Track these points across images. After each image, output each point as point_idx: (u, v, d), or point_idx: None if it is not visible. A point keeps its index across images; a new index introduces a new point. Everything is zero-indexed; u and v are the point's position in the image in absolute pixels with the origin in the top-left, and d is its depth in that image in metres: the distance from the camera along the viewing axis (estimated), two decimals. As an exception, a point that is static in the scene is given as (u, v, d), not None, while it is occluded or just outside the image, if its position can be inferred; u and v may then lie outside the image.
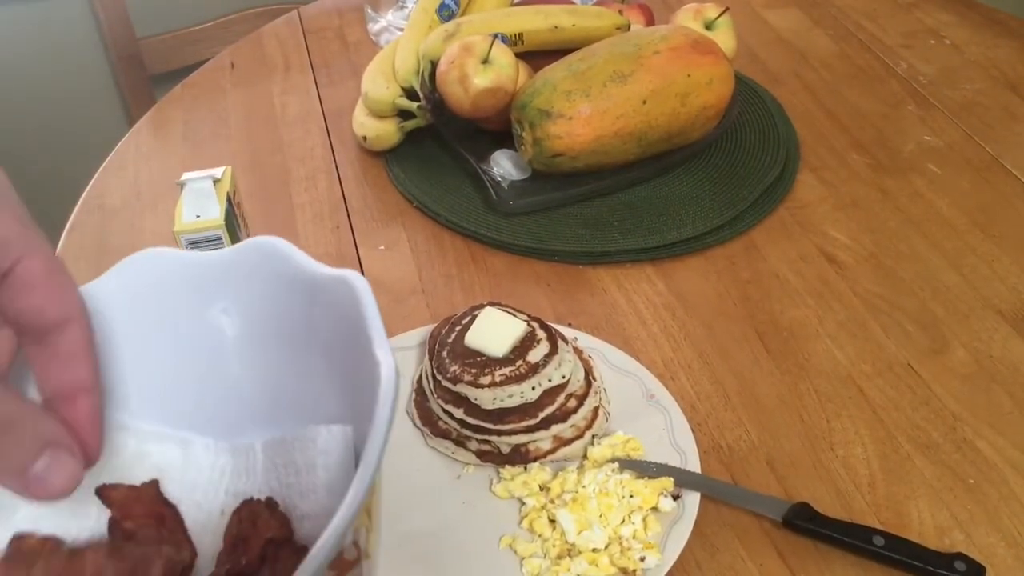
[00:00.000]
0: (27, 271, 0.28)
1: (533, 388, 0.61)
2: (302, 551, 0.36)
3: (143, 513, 0.36)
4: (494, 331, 0.63)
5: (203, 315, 0.41)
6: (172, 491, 0.38)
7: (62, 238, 0.86)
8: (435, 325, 0.70)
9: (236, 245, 0.40)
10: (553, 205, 0.86)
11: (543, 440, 0.62)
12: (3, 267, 0.27)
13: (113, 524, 0.36)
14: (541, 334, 0.64)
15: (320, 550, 0.28)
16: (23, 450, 0.27)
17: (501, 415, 0.61)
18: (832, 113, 1.00)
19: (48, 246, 0.29)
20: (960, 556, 0.56)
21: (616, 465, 0.61)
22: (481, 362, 0.62)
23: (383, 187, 0.91)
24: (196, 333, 0.41)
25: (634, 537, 0.57)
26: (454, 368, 0.62)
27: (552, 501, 0.60)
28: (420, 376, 0.68)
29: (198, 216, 0.65)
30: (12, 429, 0.26)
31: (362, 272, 0.81)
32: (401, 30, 1.03)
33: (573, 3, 0.96)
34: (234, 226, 0.67)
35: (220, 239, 0.65)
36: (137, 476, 0.38)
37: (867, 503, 0.62)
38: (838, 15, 1.18)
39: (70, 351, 0.29)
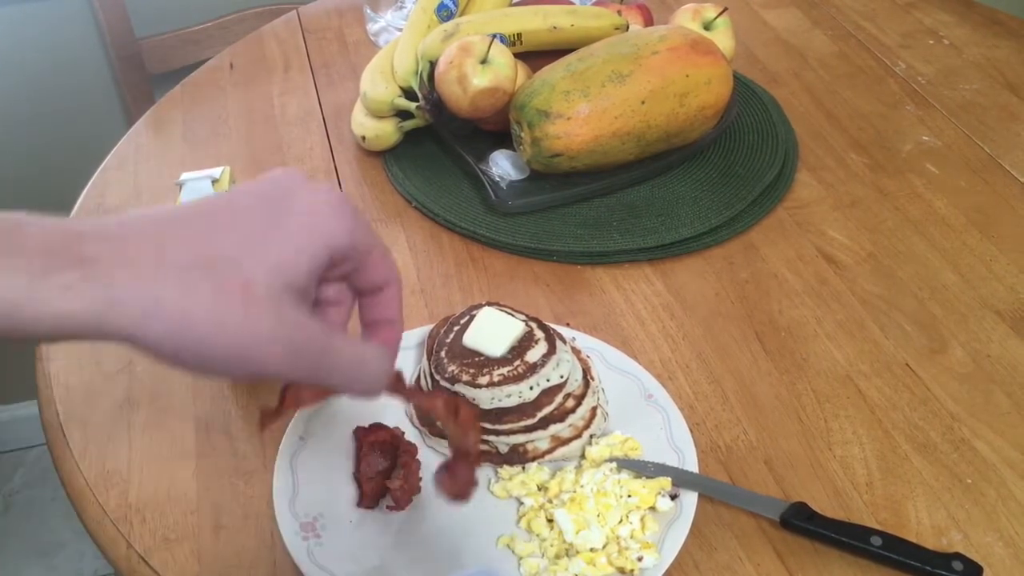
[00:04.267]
0: (371, 260, 0.42)
1: (531, 388, 0.61)
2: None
3: None
4: (492, 331, 0.63)
5: None
6: None
7: (61, 238, 0.86)
8: (433, 325, 0.70)
9: None
10: (552, 205, 0.86)
11: (541, 440, 0.63)
12: (362, 261, 0.42)
13: None
14: (539, 334, 0.64)
15: None
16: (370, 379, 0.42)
17: (499, 415, 0.61)
18: (831, 113, 1.00)
19: (377, 239, 0.42)
20: (958, 556, 0.56)
21: (614, 465, 0.61)
22: (479, 362, 0.62)
23: (382, 187, 0.91)
24: None
25: (632, 537, 0.57)
26: (452, 368, 0.62)
27: (550, 501, 0.60)
28: (418, 376, 0.68)
29: (197, 216, 0.65)
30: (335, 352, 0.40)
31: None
32: (400, 30, 1.03)
33: (572, 3, 0.96)
34: (233, 226, 0.67)
35: (219, 239, 0.65)
36: None
37: (865, 503, 0.62)
38: (837, 15, 1.18)
39: (388, 298, 0.44)
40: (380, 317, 0.45)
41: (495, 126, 0.91)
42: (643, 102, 0.83)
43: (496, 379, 0.61)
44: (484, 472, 0.63)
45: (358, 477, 0.61)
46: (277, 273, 0.37)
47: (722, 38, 0.93)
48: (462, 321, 0.66)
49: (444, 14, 0.94)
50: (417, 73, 0.90)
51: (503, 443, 0.62)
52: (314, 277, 0.39)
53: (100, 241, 0.34)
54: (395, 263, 0.44)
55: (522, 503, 0.61)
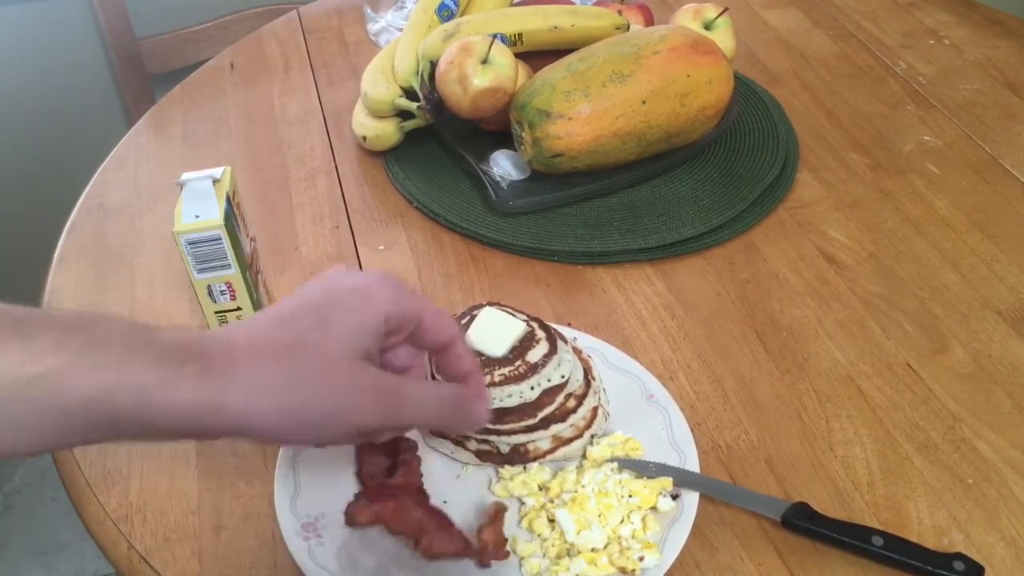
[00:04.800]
0: (425, 321, 0.50)
1: (532, 388, 0.61)
2: None
3: None
4: (493, 331, 0.63)
5: None
6: None
7: (62, 238, 0.87)
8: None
9: None
10: (552, 205, 0.86)
11: (542, 440, 0.62)
12: (417, 322, 0.49)
13: None
14: (540, 334, 0.64)
15: None
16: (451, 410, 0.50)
17: (500, 415, 0.61)
18: (831, 113, 1.00)
19: (425, 303, 0.50)
20: (959, 556, 0.56)
21: (615, 465, 0.61)
22: (480, 362, 0.62)
23: (383, 187, 0.91)
24: None
25: (633, 537, 0.57)
26: (453, 368, 0.62)
27: (551, 501, 0.60)
28: (419, 376, 0.68)
29: (197, 216, 0.65)
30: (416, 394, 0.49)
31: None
32: (400, 30, 1.03)
33: (572, 3, 0.96)
34: (234, 226, 0.67)
35: (220, 239, 0.65)
36: None
37: (866, 503, 0.62)
38: (838, 15, 1.18)
39: (459, 354, 0.52)
40: (457, 371, 0.52)
41: (496, 126, 0.91)
42: (644, 102, 0.83)
43: (497, 379, 0.61)
44: (485, 472, 0.63)
45: (361, 477, 0.61)
46: (346, 342, 0.45)
47: (723, 38, 0.93)
48: (463, 321, 0.66)
49: (445, 14, 0.94)
50: (418, 73, 0.90)
51: (504, 443, 0.62)
52: (377, 341, 0.47)
53: (211, 342, 0.41)
54: (452, 322, 0.51)
55: (523, 503, 0.61)
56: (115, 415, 0.37)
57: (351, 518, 0.56)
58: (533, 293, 0.78)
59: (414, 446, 0.62)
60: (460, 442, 0.64)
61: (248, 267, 0.69)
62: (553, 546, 0.58)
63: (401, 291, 0.49)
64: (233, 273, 0.67)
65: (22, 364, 0.35)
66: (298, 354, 0.43)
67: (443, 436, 0.64)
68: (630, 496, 0.59)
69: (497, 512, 0.58)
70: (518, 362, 0.62)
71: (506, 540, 0.56)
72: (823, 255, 0.82)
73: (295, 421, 0.42)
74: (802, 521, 0.59)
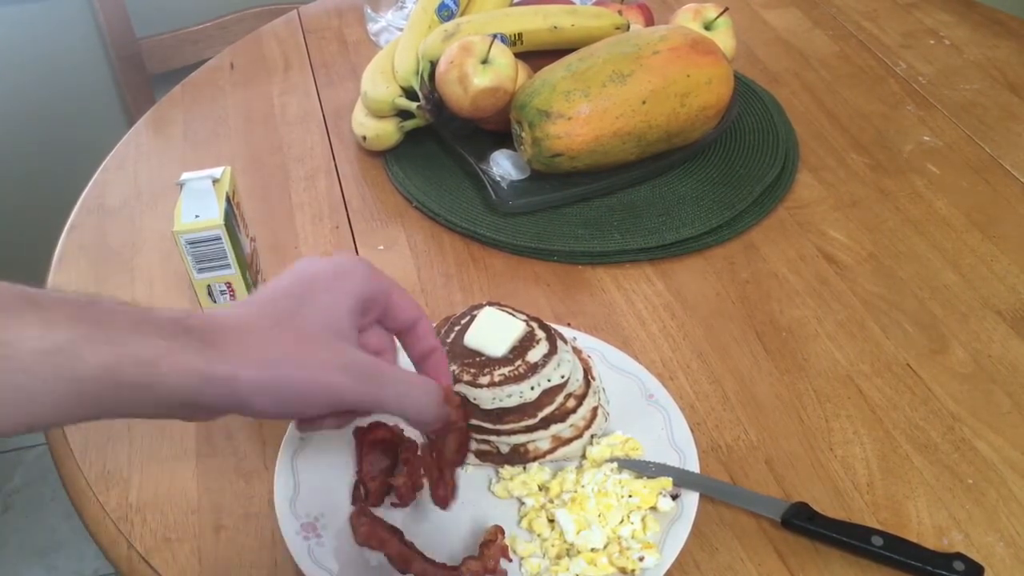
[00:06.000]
0: (393, 301, 0.52)
1: (532, 388, 0.61)
2: None
3: None
4: (493, 331, 0.63)
5: None
6: None
7: (62, 238, 0.87)
8: (434, 325, 0.70)
9: None
10: (552, 205, 0.86)
11: (542, 440, 0.62)
12: (387, 301, 0.52)
13: None
14: (540, 334, 0.64)
15: None
16: (427, 398, 0.51)
17: (500, 415, 0.61)
18: (831, 113, 1.00)
19: (392, 281, 0.52)
20: (959, 556, 0.56)
21: (615, 465, 0.61)
22: (480, 362, 0.62)
23: (382, 187, 0.91)
24: None
25: (633, 537, 0.57)
26: (453, 368, 0.62)
27: (551, 501, 0.60)
28: (419, 376, 0.68)
29: (197, 216, 0.65)
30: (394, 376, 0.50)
31: (361, 272, 0.81)
32: (400, 30, 1.03)
33: (572, 3, 0.96)
34: (233, 226, 0.67)
35: (219, 239, 0.65)
36: None
37: (866, 503, 0.62)
38: (838, 15, 1.18)
39: (423, 332, 0.54)
40: (423, 349, 0.54)
41: (496, 126, 0.91)
42: (644, 102, 0.83)
43: (497, 379, 0.61)
44: (485, 472, 0.63)
45: (361, 477, 0.61)
46: (321, 321, 0.47)
47: (723, 38, 0.93)
48: (463, 321, 0.66)
49: (445, 14, 0.94)
50: (418, 73, 0.90)
51: (504, 443, 0.62)
52: (353, 320, 0.49)
53: (199, 319, 0.44)
54: (415, 301, 0.54)
55: (523, 503, 0.61)
56: (122, 383, 0.39)
57: (353, 529, 0.56)
58: (533, 293, 0.78)
59: (414, 446, 0.62)
60: (460, 442, 0.64)
61: (248, 267, 0.69)
62: (553, 546, 0.58)
63: (371, 270, 0.51)
64: (233, 273, 0.67)
65: (41, 338, 0.37)
66: (276, 333, 0.45)
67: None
68: (630, 496, 0.59)
69: (492, 537, 0.57)
70: (518, 362, 0.62)
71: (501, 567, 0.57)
72: (823, 255, 0.82)
73: (274, 397, 0.44)
74: (802, 521, 0.59)
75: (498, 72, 0.84)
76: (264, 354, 0.44)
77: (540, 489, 0.61)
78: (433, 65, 0.88)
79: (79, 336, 0.38)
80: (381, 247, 0.84)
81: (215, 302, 0.68)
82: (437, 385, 0.52)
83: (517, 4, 0.97)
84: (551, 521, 0.59)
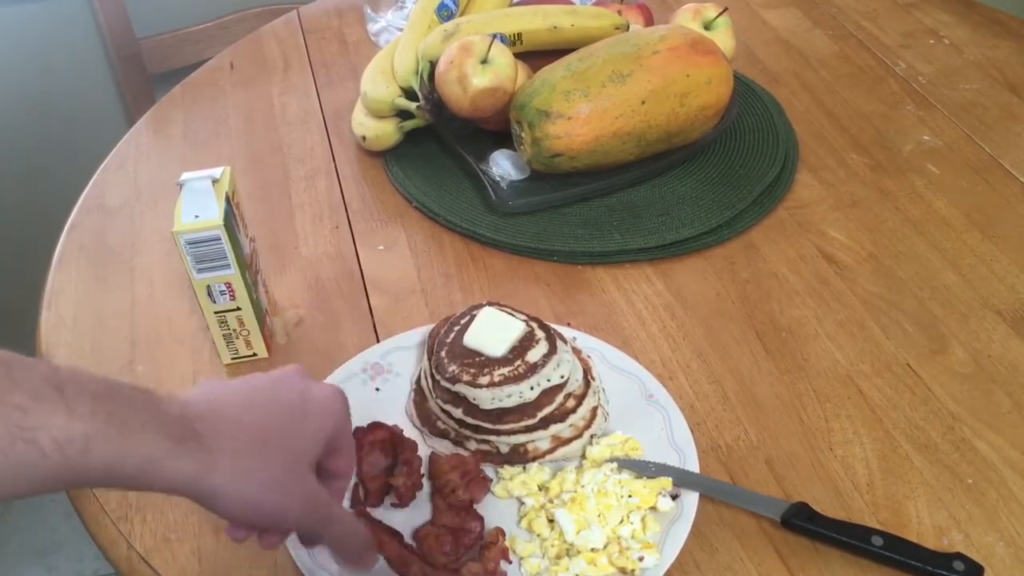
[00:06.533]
0: (340, 444, 0.54)
1: (532, 388, 0.61)
2: None
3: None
4: (493, 331, 0.63)
5: None
6: None
7: (62, 237, 0.87)
8: (434, 325, 0.70)
9: None
10: (552, 205, 0.86)
11: (542, 440, 0.63)
12: (337, 444, 0.53)
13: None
14: (540, 334, 0.64)
15: None
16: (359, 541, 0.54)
17: (500, 415, 0.61)
18: (831, 113, 1.00)
19: (343, 428, 0.54)
20: (959, 556, 0.56)
21: (615, 465, 0.61)
22: (480, 362, 0.62)
23: (382, 187, 0.91)
24: None
25: (633, 537, 0.57)
26: (453, 368, 0.62)
27: (551, 501, 0.60)
28: (419, 376, 0.68)
29: (197, 216, 0.65)
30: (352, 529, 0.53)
31: (361, 272, 0.81)
32: (400, 30, 1.03)
33: (572, 3, 0.96)
34: (233, 226, 0.67)
35: (219, 239, 0.65)
36: None
37: (866, 503, 0.62)
38: (838, 15, 1.18)
39: (338, 489, 0.55)
40: (335, 486, 0.55)
41: (495, 126, 0.91)
42: (643, 102, 0.83)
43: (497, 379, 0.61)
44: (485, 472, 0.63)
45: (361, 477, 0.61)
46: (309, 447, 0.50)
47: (722, 38, 0.93)
48: (463, 321, 0.66)
49: (444, 14, 0.94)
50: (417, 73, 0.90)
51: (504, 443, 0.62)
52: (321, 452, 0.51)
53: (202, 421, 0.46)
54: (352, 452, 0.56)
55: (523, 503, 0.61)
56: (117, 474, 0.42)
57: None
58: (533, 293, 0.78)
59: (414, 446, 0.62)
60: (459, 442, 0.64)
61: (248, 267, 0.69)
62: (553, 546, 0.58)
63: (347, 410, 0.54)
64: (233, 273, 0.67)
65: (62, 428, 0.40)
66: (267, 453, 0.48)
67: (443, 436, 0.64)
68: (630, 496, 0.59)
69: (493, 539, 0.58)
70: (517, 362, 0.62)
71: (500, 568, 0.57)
72: (823, 255, 0.82)
73: (241, 512, 0.47)
74: (802, 521, 0.59)
75: (498, 72, 0.84)
76: (251, 475, 0.46)
77: (540, 489, 0.61)
78: (433, 65, 0.88)
79: (94, 432, 0.41)
80: (381, 247, 0.84)
81: (215, 302, 0.68)
82: (368, 535, 0.55)
83: (517, 4, 0.97)
84: (551, 521, 0.59)
